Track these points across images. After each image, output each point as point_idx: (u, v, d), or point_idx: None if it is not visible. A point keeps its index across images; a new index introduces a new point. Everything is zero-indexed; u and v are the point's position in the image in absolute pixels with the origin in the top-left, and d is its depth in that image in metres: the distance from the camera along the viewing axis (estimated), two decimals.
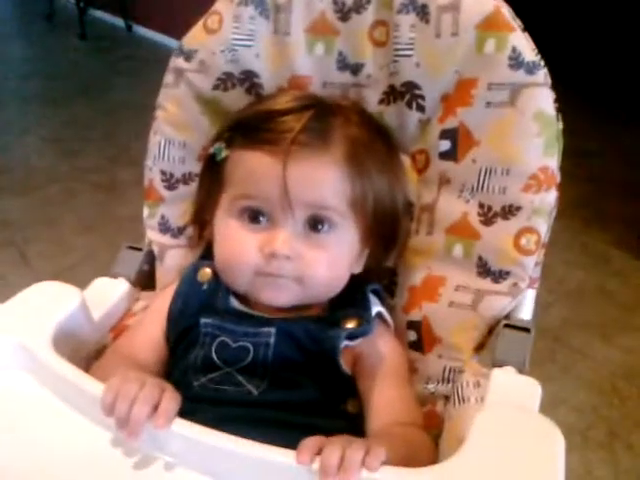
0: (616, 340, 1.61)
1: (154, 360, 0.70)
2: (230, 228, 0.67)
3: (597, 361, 1.55)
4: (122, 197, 2.16)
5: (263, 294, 0.67)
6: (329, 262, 0.66)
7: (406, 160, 0.76)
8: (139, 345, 0.70)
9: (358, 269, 0.72)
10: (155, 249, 0.81)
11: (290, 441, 0.50)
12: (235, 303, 0.70)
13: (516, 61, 0.66)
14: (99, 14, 4.26)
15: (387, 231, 0.72)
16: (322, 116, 0.68)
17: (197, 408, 0.59)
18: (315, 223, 0.66)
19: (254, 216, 0.66)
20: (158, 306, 0.73)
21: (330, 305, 0.71)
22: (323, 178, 0.65)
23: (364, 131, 0.70)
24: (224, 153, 0.69)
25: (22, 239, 1.96)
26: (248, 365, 0.65)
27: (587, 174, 2.22)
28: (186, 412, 0.54)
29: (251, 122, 0.69)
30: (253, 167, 0.66)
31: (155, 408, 0.52)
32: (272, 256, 0.64)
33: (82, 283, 0.73)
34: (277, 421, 0.61)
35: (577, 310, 1.72)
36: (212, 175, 0.72)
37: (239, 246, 0.66)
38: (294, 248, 0.64)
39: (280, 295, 0.67)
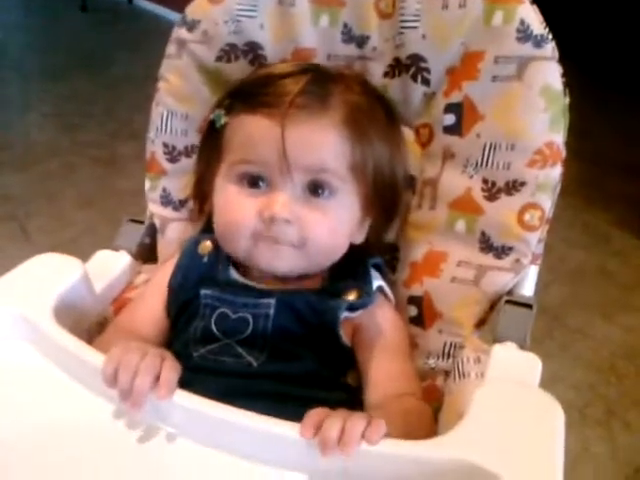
0: (616, 319, 1.62)
1: (155, 334, 0.70)
2: (229, 193, 0.67)
3: (596, 340, 1.56)
4: (122, 171, 2.15)
5: (263, 260, 0.66)
6: (329, 227, 0.66)
7: (410, 134, 0.76)
8: (140, 319, 0.70)
9: (360, 238, 0.72)
10: (156, 222, 0.81)
11: (290, 413, 0.50)
12: (235, 275, 0.70)
13: (524, 34, 0.65)
14: None
15: (387, 202, 0.72)
16: (321, 80, 0.67)
17: (197, 379, 0.59)
18: (315, 188, 0.65)
19: (253, 181, 0.66)
20: (159, 280, 0.73)
21: (330, 276, 0.70)
22: (322, 141, 0.65)
23: (365, 99, 0.69)
24: (224, 120, 0.68)
25: (23, 213, 1.96)
26: (248, 337, 0.64)
27: (590, 153, 2.20)
28: (186, 383, 0.54)
29: (250, 87, 0.69)
30: (251, 131, 0.65)
31: (157, 378, 0.52)
32: (271, 220, 0.63)
33: (82, 257, 0.73)
34: (277, 393, 0.61)
35: (577, 289, 1.72)
36: (211, 143, 0.71)
37: (238, 211, 0.65)
38: (294, 211, 0.64)
39: (280, 262, 0.66)
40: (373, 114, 0.69)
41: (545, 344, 1.51)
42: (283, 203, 0.63)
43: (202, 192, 0.75)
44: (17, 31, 3.72)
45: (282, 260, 0.66)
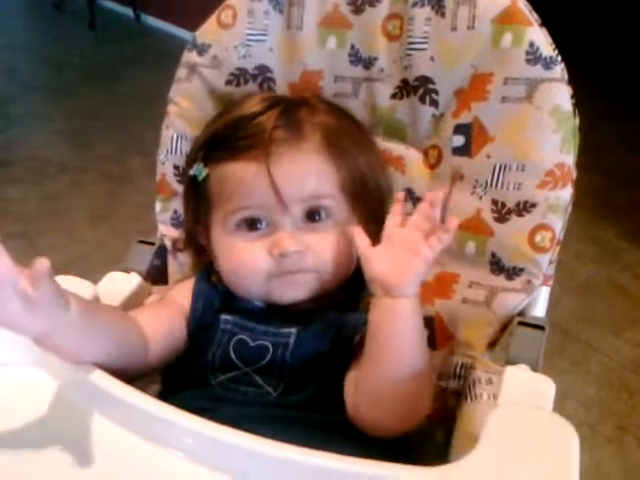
0: (626, 334, 1.60)
1: (161, 344, 0.64)
2: (232, 244, 0.67)
3: (606, 355, 1.54)
4: (133, 187, 2.16)
5: (278, 294, 0.66)
6: (335, 245, 0.66)
7: (418, 156, 0.76)
8: (154, 326, 0.65)
9: None
10: (167, 243, 0.81)
11: (310, 439, 0.50)
12: (258, 301, 0.70)
13: (533, 56, 0.66)
14: (108, 4, 4.25)
15: (375, 208, 0.71)
16: (290, 110, 0.68)
17: (216, 407, 0.59)
18: (312, 214, 0.66)
19: (252, 224, 0.66)
20: (175, 298, 0.71)
21: (345, 289, 0.70)
22: (308, 169, 0.66)
23: (333, 117, 0.70)
24: (204, 172, 0.69)
25: (33, 230, 1.97)
26: (266, 365, 0.64)
27: (599, 166, 2.19)
28: (205, 410, 0.54)
29: (224, 134, 0.69)
30: (239, 177, 0.66)
31: None
32: (282, 256, 0.64)
33: (92, 274, 0.73)
34: (297, 420, 0.60)
35: (587, 303, 1.71)
36: (197, 197, 0.71)
37: (247, 257, 0.66)
38: (301, 241, 0.64)
39: (296, 291, 0.66)
40: (345, 129, 0.70)
41: (555, 359, 1.50)
42: (289, 237, 0.64)
43: (196, 245, 0.75)
44: (27, 48, 3.76)
45: (298, 289, 0.66)
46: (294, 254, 0.64)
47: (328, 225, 0.66)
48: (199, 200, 0.71)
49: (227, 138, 0.68)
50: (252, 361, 0.64)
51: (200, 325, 0.69)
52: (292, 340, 0.65)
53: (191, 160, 0.72)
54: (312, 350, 0.64)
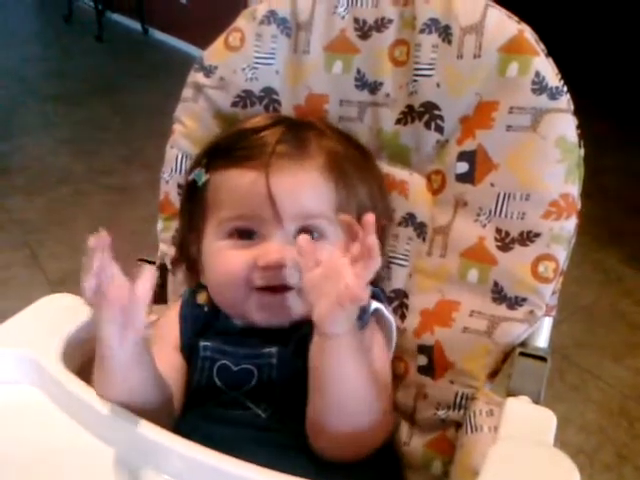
0: (627, 361, 1.59)
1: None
2: (220, 251, 0.66)
3: (607, 382, 1.53)
4: (135, 199, 2.17)
5: (259, 315, 0.65)
6: None
7: (421, 180, 0.75)
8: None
9: None
10: (168, 263, 0.80)
11: (302, 465, 0.50)
12: (237, 321, 0.69)
13: (539, 86, 0.66)
14: (116, 17, 4.30)
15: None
16: (297, 129, 0.68)
17: (210, 428, 0.59)
18: (305, 233, 0.64)
19: (244, 234, 0.65)
20: (163, 332, 0.70)
21: None
22: (307, 187, 0.66)
23: (340, 143, 0.70)
24: (204, 178, 0.68)
25: (34, 239, 1.97)
26: (253, 388, 0.64)
27: (603, 191, 2.20)
28: (199, 432, 0.53)
29: (227, 143, 0.69)
30: (236, 185, 0.66)
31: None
32: (267, 267, 0.63)
33: None
34: (288, 443, 0.60)
35: (588, 329, 1.70)
36: (193, 204, 0.71)
37: (232, 262, 0.65)
38: (288, 257, 0.63)
39: (282, 318, 0.65)
40: (350, 156, 0.70)
41: (555, 385, 1.49)
42: (277, 250, 0.63)
43: (188, 257, 0.74)
44: (35, 58, 3.80)
45: (283, 316, 0.65)
46: (278, 268, 0.63)
47: (320, 246, 0.65)
48: (195, 206, 0.71)
49: (230, 147, 0.68)
50: (238, 385, 0.64)
51: (190, 346, 0.68)
52: (275, 360, 0.64)
53: (192, 167, 0.72)
54: (296, 368, 0.63)
